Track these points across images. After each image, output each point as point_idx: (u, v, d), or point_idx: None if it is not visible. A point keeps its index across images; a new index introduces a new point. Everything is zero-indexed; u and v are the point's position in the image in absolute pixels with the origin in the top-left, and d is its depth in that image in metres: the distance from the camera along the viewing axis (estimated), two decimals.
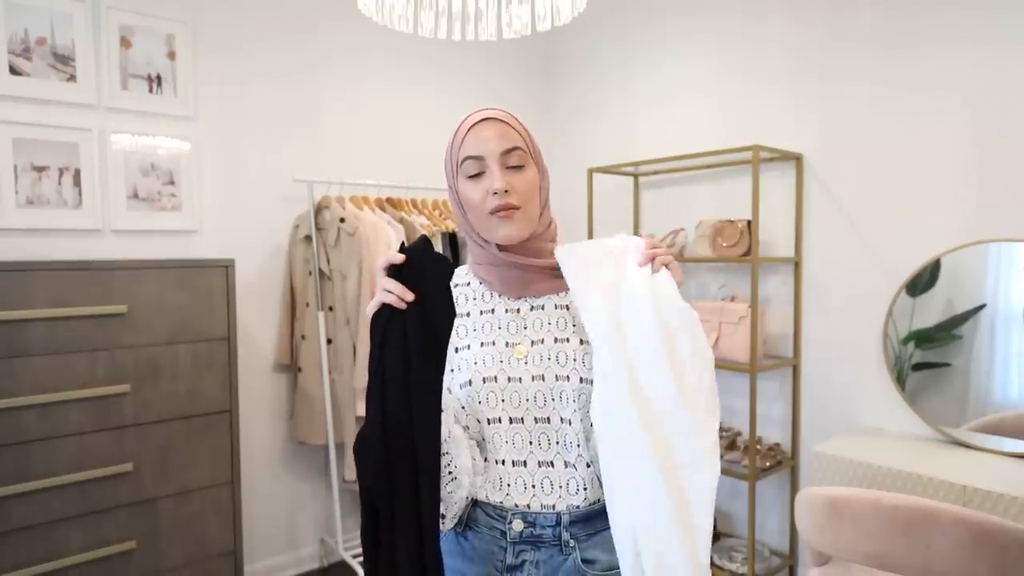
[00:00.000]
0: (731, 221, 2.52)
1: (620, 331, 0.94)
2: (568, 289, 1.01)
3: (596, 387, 0.93)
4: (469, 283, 1.07)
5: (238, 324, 2.54)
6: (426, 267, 1.03)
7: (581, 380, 0.96)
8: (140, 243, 2.44)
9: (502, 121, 0.99)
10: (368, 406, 1.00)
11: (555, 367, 0.98)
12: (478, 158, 0.97)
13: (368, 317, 1.01)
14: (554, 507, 0.98)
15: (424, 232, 2.74)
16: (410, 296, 0.99)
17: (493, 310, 1.04)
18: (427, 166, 3.09)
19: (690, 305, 0.96)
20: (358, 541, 2.86)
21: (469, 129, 0.98)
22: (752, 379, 2.36)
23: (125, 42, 2.38)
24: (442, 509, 1.00)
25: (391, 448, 0.96)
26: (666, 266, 0.98)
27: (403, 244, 1.05)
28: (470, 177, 0.98)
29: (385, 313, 1.00)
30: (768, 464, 2.47)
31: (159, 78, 2.46)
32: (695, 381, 0.91)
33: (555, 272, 1.02)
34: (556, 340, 0.99)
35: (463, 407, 1.01)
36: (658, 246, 1.01)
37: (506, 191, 0.95)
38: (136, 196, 2.42)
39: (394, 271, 1.01)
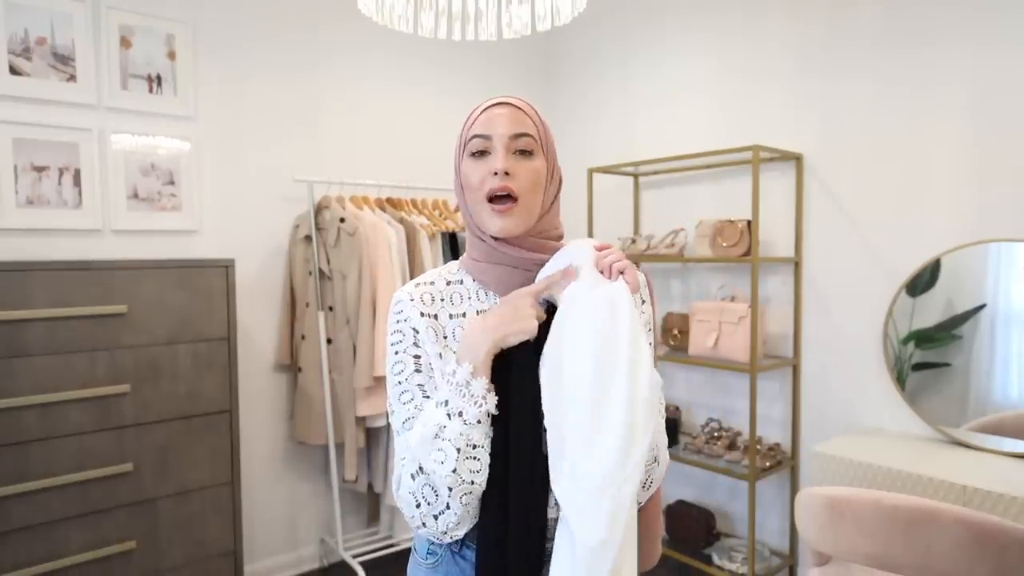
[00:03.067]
0: (731, 221, 2.52)
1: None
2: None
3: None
4: (462, 280, 1.02)
5: (238, 324, 2.54)
6: None
7: None
8: (140, 243, 2.44)
9: (517, 107, 0.96)
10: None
11: None
12: (485, 137, 0.94)
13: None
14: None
15: (424, 231, 2.74)
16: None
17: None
18: (427, 166, 3.10)
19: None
20: (358, 541, 2.87)
21: (483, 111, 0.96)
22: (752, 379, 2.37)
23: (125, 42, 2.38)
24: (464, 530, 0.92)
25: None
26: (622, 273, 0.93)
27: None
28: (473, 155, 0.95)
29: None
30: (768, 464, 2.47)
31: (159, 78, 2.46)
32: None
33: None
34: None
35: None
36: (608, 246, 0.97)
37: (507, 173, 0.92)
38: (136, 196, 2.42)
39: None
